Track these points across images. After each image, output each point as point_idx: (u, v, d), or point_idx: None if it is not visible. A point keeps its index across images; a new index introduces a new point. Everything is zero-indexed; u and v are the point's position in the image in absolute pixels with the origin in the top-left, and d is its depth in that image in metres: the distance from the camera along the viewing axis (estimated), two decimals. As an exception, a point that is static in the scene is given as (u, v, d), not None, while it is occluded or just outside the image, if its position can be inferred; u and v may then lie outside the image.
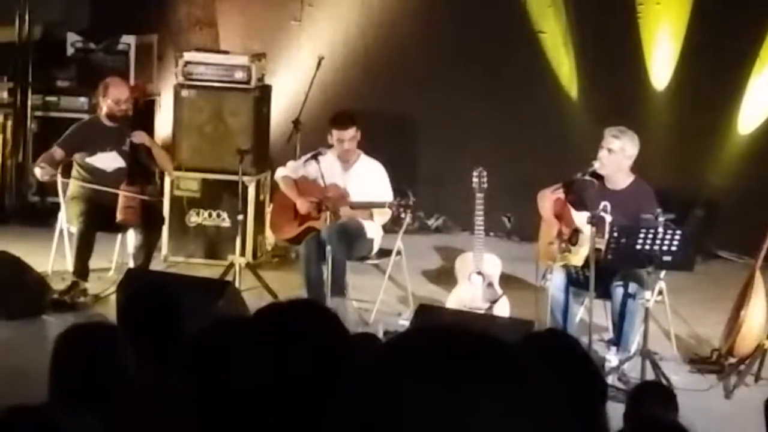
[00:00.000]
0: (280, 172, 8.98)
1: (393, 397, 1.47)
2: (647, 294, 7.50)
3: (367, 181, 8.72)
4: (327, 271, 8.35)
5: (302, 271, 8.61)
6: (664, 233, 7.32)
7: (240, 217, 9.36)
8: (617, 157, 7.81)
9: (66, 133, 9.23)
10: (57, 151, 9.10)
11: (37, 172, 9.12)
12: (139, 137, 9.18)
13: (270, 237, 10.15)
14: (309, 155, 8.75)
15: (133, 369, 3.94)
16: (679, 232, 7.40)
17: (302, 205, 8.75)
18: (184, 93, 10.12)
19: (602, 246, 7.47)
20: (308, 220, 8.75)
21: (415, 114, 11.55)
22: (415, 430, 1.46)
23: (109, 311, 7.85)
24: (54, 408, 3.62)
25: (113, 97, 9.15)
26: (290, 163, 9.01)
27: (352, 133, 8.71)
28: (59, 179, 9.21)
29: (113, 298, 8.26)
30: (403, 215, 8.49)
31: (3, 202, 11.16)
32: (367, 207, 8.59)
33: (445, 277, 9.24)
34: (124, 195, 8.89)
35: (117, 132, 9.16)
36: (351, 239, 8.58)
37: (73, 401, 3.69)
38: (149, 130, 10.17)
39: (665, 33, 10.90)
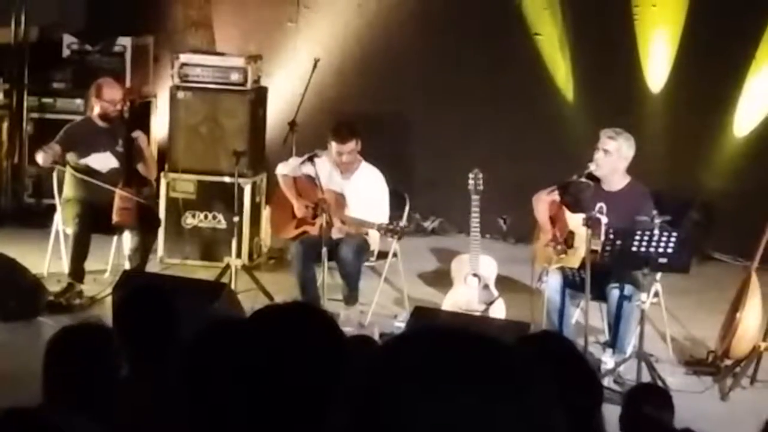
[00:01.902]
0: (281, 169, 8.93)
1: (390, 399, 1.47)
2: (643, 296, 7.50)
3: (365, 191, 8.67)
4: (323, 274, 8.36)
5: (295, 272, 8.60)
6: (660, 235, 7.32)
7: (236, 219, 9.35)
8: (613, 158, 7.82)
9: (60, 133, 9.18)
10: (55, 146, 9.06)
11: (40, 156, 8.97)
12: (137, 135, 9.17)
13: (266, 239, 10.14)
14: (305, 157, 8.72)
15: (125, 369, 3.94)
16: (674, 234, 7.40)
17: (299, 209, 8.75)
18: (180, 95, 10.11)
19: (598, 248, 7.47)
20: (304, 224, 8.74)
21: (411, 116, 11.55)
22: (410, 432, 1.46)
23: (105, 313, 7.82)
24: (49, 410, 3.61)
25: (107, 98, 9.13)
26: (291, 160, 8.96)
27: (351, 146, 8.65)
28: (56, 171, 9.21)
29: (109, 300, 8.24)
30: (390, 239, 8.49)
31: (-1, 204, 11.16)
32: (358, 224, 8.57)
33: (441, 279, 9.23)
34: (119, 196, 8.88)
35: (110, 133, 9.15)
36: (363, 254, 8.62)
37: (66, 403, 3.69)
38: (145, 131, 10.15)
39: (661, 35, 10.91)
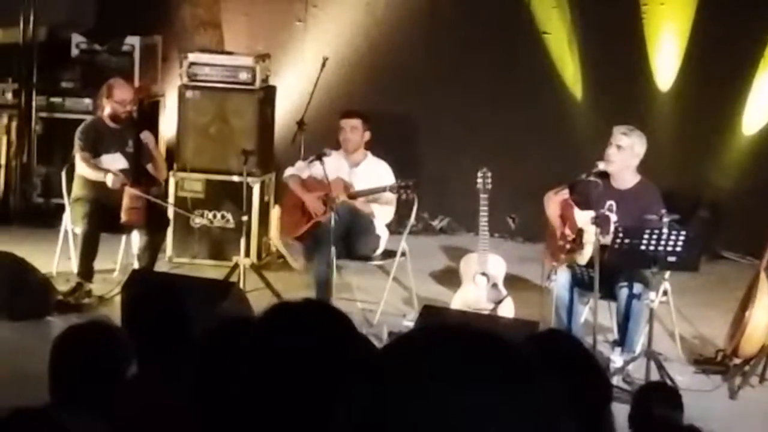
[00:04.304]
0: (289, 171, 9.02)
1: (396, 397, 1.47)
2: (652, 295, 7.49)
3: (373, 176, 8.77)
4: (332, 272, 8.36)
5: (311, 271, 8.62)
6: (669, 234, 7.31)
7: (244, 218, 9.35)
8: (626, 154, 7.81)
9: (79, 138, 9.10)
10: (86, 155, 9.05)
11: (110, 179, 8.87)
12: (146, 136, 9.18)
13: (275, 238, 10.12)
14: (313, 156, 8.77)
15: (133, 367, 3.94)
16: (683, 232, 7.40)
17: (310, 202, 8.77)
18: (189, 94, 10.12)
19: (607, 243, 7.45)
20: (315, 217, 8.77)
21: (420, 114, 11.55)
22: (418, 430, 1.46)
23: (114, 312, 7.84)
24: (56, 409, 3.62)
25: (118, 98, 9.13)
26: (299, 163, 9.06)
27: (353, 123, 8.86)
28: (65, 170, 9.22)
29: (118, 299, 8.25)
30: (404, 197, 8.50)
31: (8, 204, 11.16)
32: (369, 194, 8.61)
33: (450, 278, 9.23)
34: (128, 196, 8.88)
35: (120, 133, 9.15)
36: (360, 226, 8.60)
37: (73, 402, 3.69)
38: (154, 131, 10.16)
39: (670, 33, 10.90)
